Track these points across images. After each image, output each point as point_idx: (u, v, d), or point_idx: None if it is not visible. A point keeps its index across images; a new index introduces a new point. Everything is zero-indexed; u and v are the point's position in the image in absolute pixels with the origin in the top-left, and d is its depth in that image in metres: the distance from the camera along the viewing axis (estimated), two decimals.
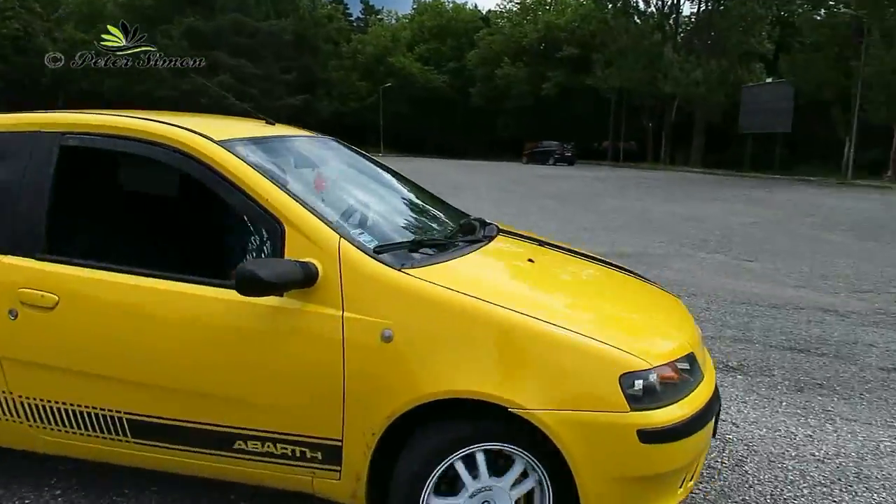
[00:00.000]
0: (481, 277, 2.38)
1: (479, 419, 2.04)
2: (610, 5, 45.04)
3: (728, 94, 38.98)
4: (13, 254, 2.36)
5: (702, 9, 42.35)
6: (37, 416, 2.41)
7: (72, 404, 2.36)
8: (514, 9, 57.76)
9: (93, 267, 2.32)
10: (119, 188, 3.08)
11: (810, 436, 3.29)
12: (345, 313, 2.05)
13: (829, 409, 3.64)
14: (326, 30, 54.35)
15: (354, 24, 68.17)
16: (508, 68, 50.83)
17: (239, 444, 2.22)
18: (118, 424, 2.32)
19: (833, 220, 13.12)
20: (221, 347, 2.19)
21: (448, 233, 2.74)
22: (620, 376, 1.96)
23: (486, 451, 2.05)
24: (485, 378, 1.98)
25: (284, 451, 2.19)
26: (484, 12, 62.08)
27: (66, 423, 2.39)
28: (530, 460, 2.04)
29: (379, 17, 69.41)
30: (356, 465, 2.13)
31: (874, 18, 28.20)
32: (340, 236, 2.12)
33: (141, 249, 2.80)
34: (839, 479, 2.86)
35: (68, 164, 2.47)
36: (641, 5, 44.76)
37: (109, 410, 2.32)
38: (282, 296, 2.07)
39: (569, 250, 3.11)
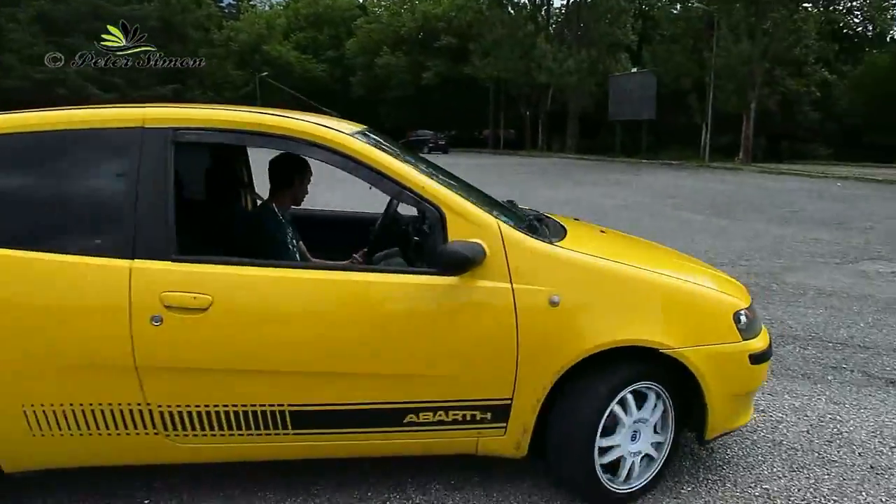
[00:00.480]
0: (599, 247, 2.77)
1: (633, 363, 2.44)
2: None
3: (598, 84, 40.94)
4: (143, 258, 2.21)
5: (570, 1, 44.11)
6: (178, 424, 2.29)
7: (224, 405, 2.29)
8: None
9: (239, 264, 2.28)
10: (235, 182, 3.18)
11: None
12: (513, 285, 2.31)
13: None
14: (195, 16, 51.64)
15: (226, 10, 65.29)
16: (388, 57, 50.64)
17: (410, 418, 2.37)
18: (279, 418, 2.31)
19: (693, 200, 14.17)
20: (397, 328, 2.31)
21: (519, 213, 2.99)
22: (733, 315, 2.54)
23: (635, 391, 2.47)
24: (640, 327, 2.41)
25: (455, 416, 2.39)
26: (361, 0, 61.41)
27: (215, 426, 2.31)
28: (661, 391, 2.52)
29: (252, 3, 66.82)
30: (524, 418, 2.41)
31: (723, 13, 30.57)
32: (496, 218, 2.39)
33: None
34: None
35: (185, 161, 2.47)
36: None
37: (270, 405, 2.30)
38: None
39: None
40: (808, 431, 3.23)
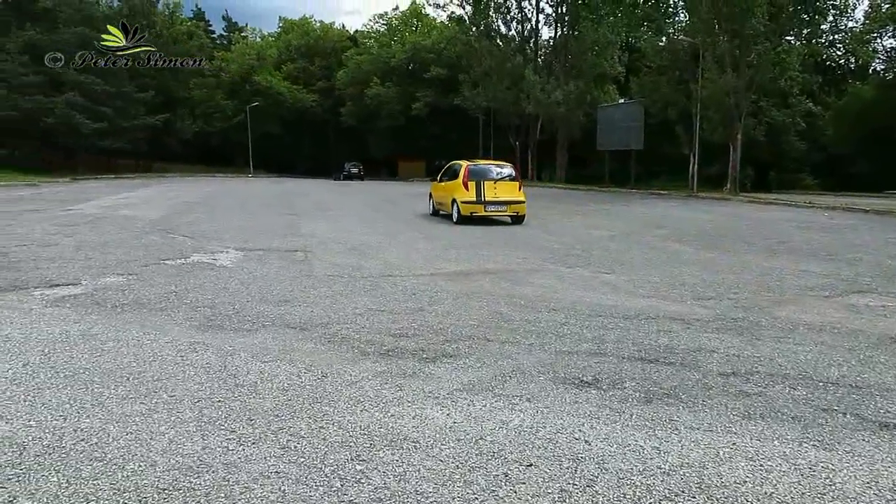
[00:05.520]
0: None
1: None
2: (473, 28, 46.54)
3: (586, 114, 41.32)
4: None
5: (558, 34, 44.69)
6: None
7: None
8: (381, 29, 58.17)
9: None
10: None
11: (657, 447, 3.36)
12: None
13: (675, 418, 3.75)
14: (187, 47, 51.97)
15: (217, 41, 65.77)
16: (378, 88, 51.02)
17: None
18: None
19: (680, 231, 14.09)
20: None
21: None
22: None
23: None
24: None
25: None
26: (352, 32, 62.01)
27: None
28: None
29: (243, 34, 67.37)
30: None
31: (707, 45, 30.95)
32: None
33: None
34: (683, 491, 2.93)
35: None
36: (503, 29, 46.61)
37: None
38: None
39: None
40: (799, 482, 3.03)
